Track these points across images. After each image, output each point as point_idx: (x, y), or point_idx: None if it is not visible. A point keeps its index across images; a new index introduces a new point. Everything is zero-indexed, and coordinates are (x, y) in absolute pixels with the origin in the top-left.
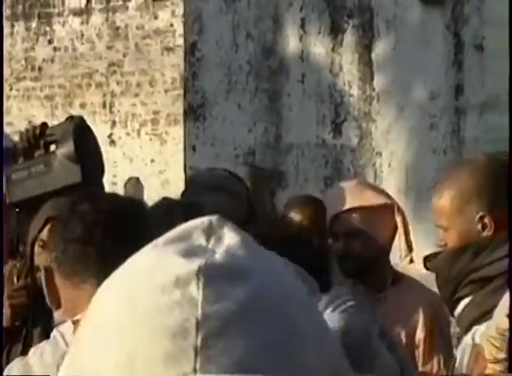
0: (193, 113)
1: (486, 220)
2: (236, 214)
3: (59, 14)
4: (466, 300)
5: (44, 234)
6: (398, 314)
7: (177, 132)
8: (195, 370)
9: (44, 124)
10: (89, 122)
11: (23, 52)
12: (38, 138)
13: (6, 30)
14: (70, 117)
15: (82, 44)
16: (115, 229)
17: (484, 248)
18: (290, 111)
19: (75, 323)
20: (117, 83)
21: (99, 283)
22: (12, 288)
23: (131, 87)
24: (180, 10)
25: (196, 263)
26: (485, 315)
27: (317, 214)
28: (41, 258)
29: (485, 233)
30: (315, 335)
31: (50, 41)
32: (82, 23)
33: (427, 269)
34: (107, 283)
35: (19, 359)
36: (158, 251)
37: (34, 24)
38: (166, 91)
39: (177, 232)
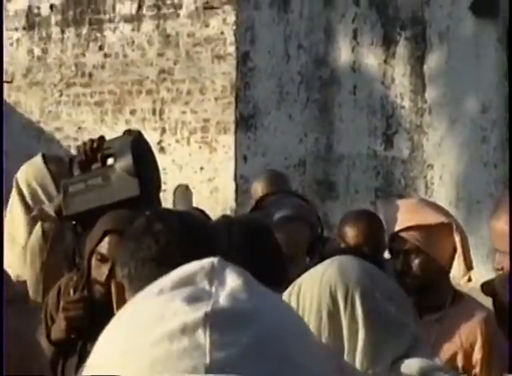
0: (244, 122)
1: None
2: (303, 243)
3: (110, 20)
4: None
5: (101, 247)
6: (455, 334)
7: (226, 141)
8: None
9: (101, 138)
10: (139, 129)
11: (73, 58)
12: (96, 151)
13: (57, 36)
14: (128, 131)
15: (133, 50)
16: (188, 249)
17: None
18: (342, 122)
19: None
20: (168, 90)
21: None
22: (68, 301)
23: (181, 94)
24: (231, 18)
25: (201, 310)
26: None
27: (372, 229)
28: (98, 271)
29: None
30: (316, 369)
31: (101, 48)
32: (133, 29)
33: (485, 293)
34: (114, 327)
35: None
36: (164, 297)
37: (84, 30)
38: (216, 99)
39: (181, 275)
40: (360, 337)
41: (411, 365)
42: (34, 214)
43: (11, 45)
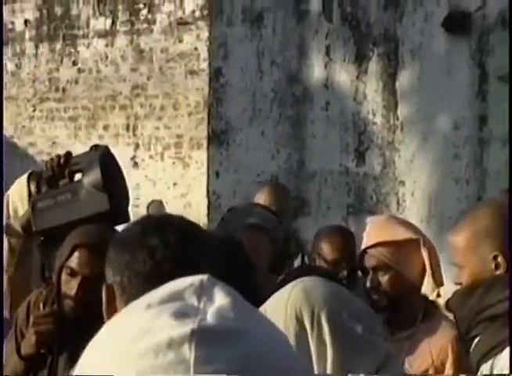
0: (217, 138)
1: (499, 260)
2: (264, 254)
3: (84, 36)
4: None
5: (71, 262)
6: (426, 351)
7: (199, 156)
8: None
9: (68, 154)
10: (112, 144)
11: (47, 74)
12: (63, 167)
13: (30, 51)
14: (94, 146)
15: (106, 66)
16: (184, 263)
17: (495, 287)
18: (314, 138)
19: None
20: (141, 106)
21: None
22: (37, 315)
23: (154, 110)
24: (205, 34)
25: (188, 326)
26: (490, 352)
27: (346, 245)
28: (68, 286)
29: (498, 272)
30: None
31: (74, 63)
32: (107, 45)
33: (447, 309)
34: (100, 339)
35: None
36: (152, 311)
37: (58, 46)
38: (189, 114)
39: (169, 291)
40: (329, 356)
41: None
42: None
43: None
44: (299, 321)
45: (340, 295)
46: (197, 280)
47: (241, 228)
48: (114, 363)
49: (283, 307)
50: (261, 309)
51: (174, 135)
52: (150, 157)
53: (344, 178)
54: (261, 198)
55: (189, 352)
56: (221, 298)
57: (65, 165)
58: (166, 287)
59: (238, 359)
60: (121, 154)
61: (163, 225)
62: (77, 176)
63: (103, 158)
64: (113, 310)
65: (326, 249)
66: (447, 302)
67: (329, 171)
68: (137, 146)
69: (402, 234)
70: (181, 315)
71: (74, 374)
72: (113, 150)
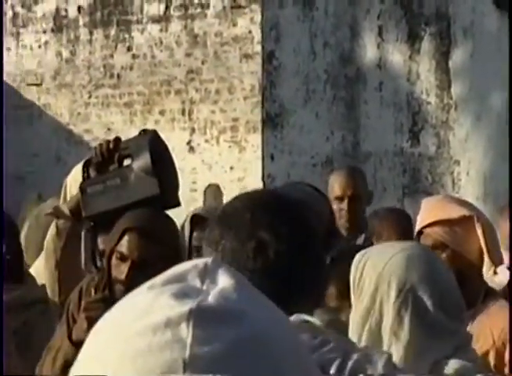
0: (271, 121)
1: None
2: None
3: (138, 21)
4: None
5: (121, 246)
6: (487, 332)
7: (255, 140)
8: None
9: (117, 139)
10: (168, 129)
11: (101, 60)
12: (112, 152)
13: (85, 37)
14: (143, 131)
15: (161, 51)
16: (295, 258)
17: None
18: (368, 119)
19: None
20: (196, 90)
21: None
22: (89, 301)
23: (209, 94)
24: (258, 17)
25: (187, 306)
26: None
27: (402, 226)
28: (119, 270)
29: None
30: (296, 370)
31: (129, 49)
32: (161, 30)
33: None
34: (103, 321)
35: None
36: (154, 291)
37: (112, 32)
38: (245, 98)
39: (173, 273)
40: (403, 336)
41: (449, 366)
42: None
43: (39, 47)
44: (389, 287)
45: (437, 276)
46: (201, 263)
47: None
48: (113, 344)
49: (381, 266)
50: (365, 255)
51: (229, 118)
52: (206, 141)
53: (399, 158)
54: (337, 182)
55: (186, 331)
56: (224, 280)
57: (114, 150)
58: (170, 271)
59: (237, 340)
60: (177, 139)
61: (274, 213)
62: (127, 161)
63: (152, 143)
64: None
65: (383, 230)
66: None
67: (383, 152)
68: (193, 130)
69: (456, 212)
70: (181, 295)
71: (78, 357)
72: (169, 135)
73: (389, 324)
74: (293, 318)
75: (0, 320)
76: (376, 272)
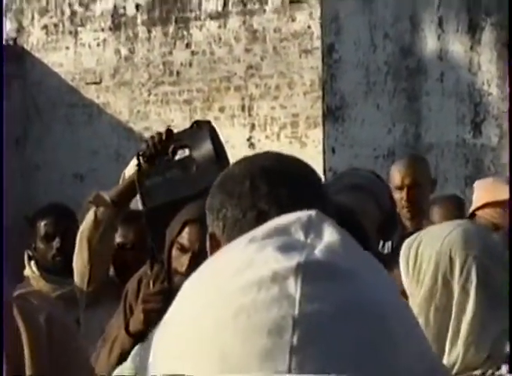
0: (332, 115)
1: None
2: (370, 216)
3: (197, 18)
4: None
5: (182, 237)
6: None
7: (316, 135)
8: (289, 369)
9: (169, 130)
10: (228, 125)
11: (160, 57)
12: (166, 143)
13: (143, 35)
14: (196, 122)
15: (220, 47)
16: None
17: None
18: (430, 111)
19: None
20: (256, 86)
21: None
22: (147, 292)
23: (269, 90)
24: (317, 12)
25: (294, 260)
26: None
27: (458, 210)
28: (179, 262)
29: None
30: (408, 338)
31: (188, 46)
32: (219, 26)
33: None
34: (197, 276)
35: None
36: (255, 245)
37: (171, 29)
38: (305, 93)
39: (274, 226)
40: (468, 309)
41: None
42: (89, 199)
43: (98, 45)
44: (451, 263)
45: (494, 250)
46: (305, 215)
47: (346, 188)
48: (210, 302)
49: (438, 242)
50: (417, 237)
51: (290, 114)
52: (267, 137)
53: (461, 149)
54: (396, 171)
55: (294, 287)
56: (330, 235)
57: (167, 142)
58: (270, 223)
59: (345, 298)
60: (237, 135)
61: (274, 182)
62: (180, 152)
63: (212, 132)
64: None
65: (439, 216)
66: None
67: (445, 144)
68: (253, 126)
69: (506, 194)
70: (286, 248)
71: (161, 324)
72: (229, 132)
73: (455, 299)
74: None
75: (0, 321)
76: (434, 249)
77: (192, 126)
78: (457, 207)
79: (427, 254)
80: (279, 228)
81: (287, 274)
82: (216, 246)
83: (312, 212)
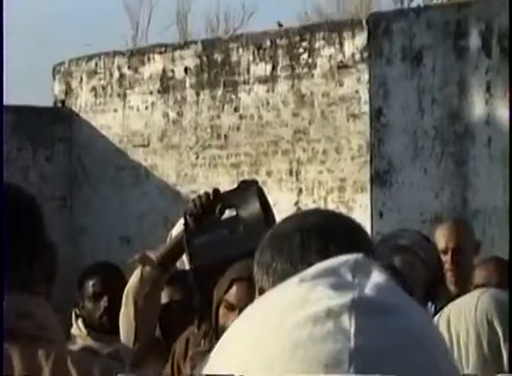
0: (379, 179)
1: None
2: (418, 277)
3: (245, 82)
4: None
5: (229, 296)
6: None
7: (363, 199)
8: None
9: (217, 190)
10: (275, 189)
11: (208, 121)
12: (212, 203)
13: (192, 98)
14: (243, 182)
15: (268, 111)
16: None
17: None
18: (477, 176)
19: None
20: (303, 150)
21: None
22: (196, 351)
23: (317, 154)
24: (365, 77)
25: (347, 296)
26: None
27: (499, 271)
28: (227, 320)
29: None
30: (444, 359)
31: (236, 109)
32: (268, 90)
33: None
34: (248, 315)
35: None
36: (307, 284)
37: (219, 92)
38: (352, 158)
39: (324, 267)
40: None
41: None
42: (135, 258)
43: (146, 108)
44: (490, 325)
45: None
46: (352, 258)
47: (392, 249)
48: (268, 337)
49: (471, 309)
50: (444, 310)
51: (337, 178)
52: (314, 201)
53: (509, 215)
54: (440, 235)
55: (348, 322)
56: (376, 276)
57: (214, 202)
58: (319, 265)
59: (397, 330)
60: (285, 200)
61: (324, 238)
62: (227, 212)
63: (259, 193)
64: None
65: (481, 274)
66: None
67: (493, 209)
68: (300, 190)
69: None
70: (338, 287)
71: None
72: (277, 196)
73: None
74: None
75: (0, 323)
76: (469, 316)
77: (239, 186)
78: (497, 270)
79: (463, 323)
80: (328, 269)
81: (341, 310)
82: None
83: (359, 255)
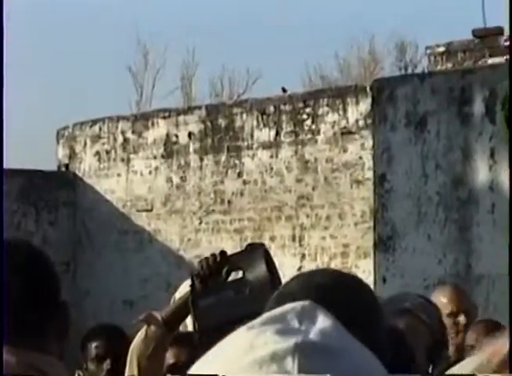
0: (383, 244)
1: None
2: (421, 340)
3: (249, 147)
4: None
5: None
6: None
7: (367, 265)
8: None
9: (223, 252)
10: (279, 255)
11: (212, 186)
12: (219, 265)
13: (195, 163)
14: (250, 245)
15: (271, 177)
16: None
17: None
18: (481, 242)
19: None
20: (307, 216)
21: None
22: None
23: (320, 220)
24: (369, 143)
25: (291, 340)
26: None
27: (489, 334)
28: None
29: None
30: None
31: (239, 175)
32: (271, 156)
33: None
34: (204, 361)
35: None
36: (255, 330)
37: (223, 157)
38: (355, 224)
39: (272, 315)
40: None
41: None
42: (141, 318)
43: (150, 173)
44: None
45: None
46: (299, 305)
47: (395, 312)
48: None
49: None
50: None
51: (340, 244)
52: (317, 267)
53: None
54: (440, 298)
55: (291, 364)
56: (323, 321)
57: (221, 263)
58: (267, 313)
59: (340, 373)
60: (288, 265)
61: (330, 299)
62: (233, 274)
63: (266, 255)
64: None
65: (470, 337)
66: None
67: (496, 275)
68: (303, 256)
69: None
70: (283, 332)
71: None
72: (280, 261)
73: None
74: None
75: (0, 320)
76: None
77: (246, 248)
78: (486, 332)
79: None
80: (276, 316)
81: (285, 354)
82: None
83: (306, 302)
